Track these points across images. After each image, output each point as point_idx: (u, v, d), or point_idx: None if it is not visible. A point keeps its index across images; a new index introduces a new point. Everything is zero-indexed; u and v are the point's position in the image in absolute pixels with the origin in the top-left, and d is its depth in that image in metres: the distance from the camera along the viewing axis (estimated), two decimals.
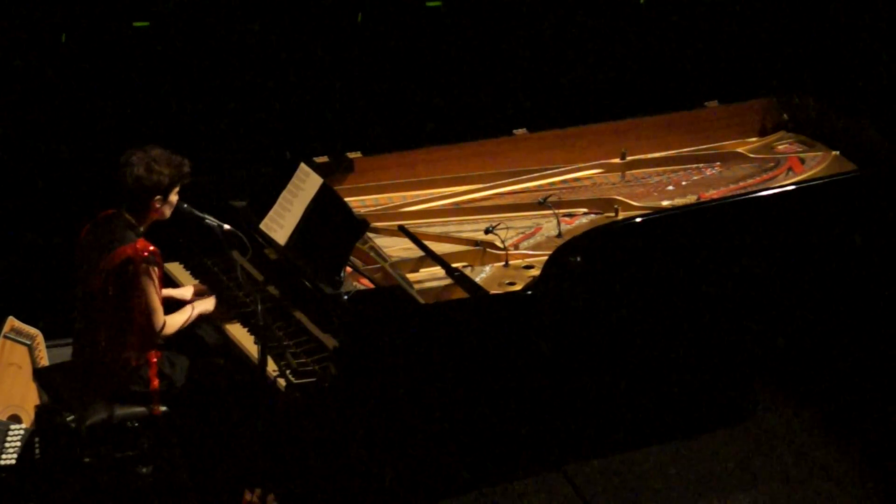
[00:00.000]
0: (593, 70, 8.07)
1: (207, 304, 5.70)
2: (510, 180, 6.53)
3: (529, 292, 5.52)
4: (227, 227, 5.61)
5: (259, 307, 5.26)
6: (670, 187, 6.44)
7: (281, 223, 5.67)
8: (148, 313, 5.43)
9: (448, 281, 5.61)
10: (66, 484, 5.55)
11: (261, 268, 5.75)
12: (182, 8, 7.31)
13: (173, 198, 5.50)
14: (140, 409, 5.47)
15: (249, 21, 7.45)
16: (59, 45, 7.14)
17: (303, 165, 5.73)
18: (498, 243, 5.91)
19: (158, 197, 5.45)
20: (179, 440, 5.54)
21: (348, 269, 5.56)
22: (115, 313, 5.43)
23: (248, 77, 7.50)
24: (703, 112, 6.93)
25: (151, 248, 5.40)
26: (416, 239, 5.81)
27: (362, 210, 6.22)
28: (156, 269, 5.42)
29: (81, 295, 5.52)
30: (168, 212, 5.52)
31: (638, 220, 5.78)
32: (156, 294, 5.43)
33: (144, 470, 5.49)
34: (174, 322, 5.54)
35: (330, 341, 5.33)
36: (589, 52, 8.06)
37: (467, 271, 5.73)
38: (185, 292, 5.86)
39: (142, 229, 5.47)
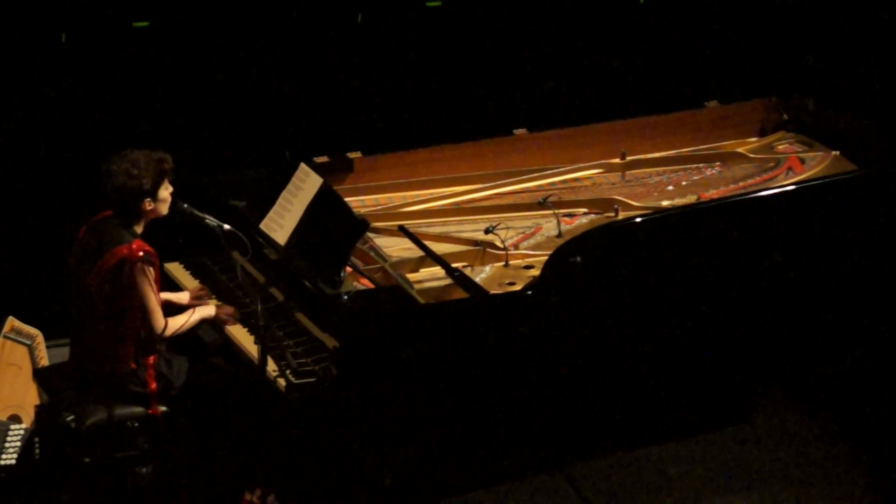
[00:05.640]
0: (593, 70, 8.07)
1: (208, 310, 5.69)
2: (510, 180, 6.53)
3: (529, 292, 5.52)
4: (227, 227, 5.61)
5: (259, 307, 5.26)
6: (670, 187, 6.44)
7: (281, 223, 5.67)
8: (144, 315, 5.42)
9: (448, 281, 5.62)
10: (66, 484, 5.55)
11: (261, 268, 5.75)
12: (182, 8, 7.31)
13: (164, 194, 5.47)
14: (139, 409, 5.47)
15: (249, 21, 7.45)
16: (59, 45, 7.14)
17: (303, 165, 5.73)
18: (498, 243, 5.91)
19: (147, 199, 5.43)
20: (179, 440, 5.54)
21: (348, 269, 5.56)
22: (110, 315, 5.41)
23: (249, 77, 7.50)
24: (703, 112, 6.93)
25: (147, 248, 5.39)
26: (416, 239, 5.81)
27: (362, 210, 6.22)
28: (151, 269, 5.40)
29: (77, 297, 5.51)
30: (163, 208, 5.50)
31: (638, 220, 5.78)
32: (153, 295, 5.42)
33: (144, 470, 5.49)
34: (173, 325, 5.52)
35: (330, 341, 5.33)
36: (589, 52, 8.06)
37: (467, 271, 5.74)
38: (182, 296, 5.85)
39: (139, 231, 5.46)
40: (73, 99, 7.20)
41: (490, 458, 5.63)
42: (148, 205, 5.44)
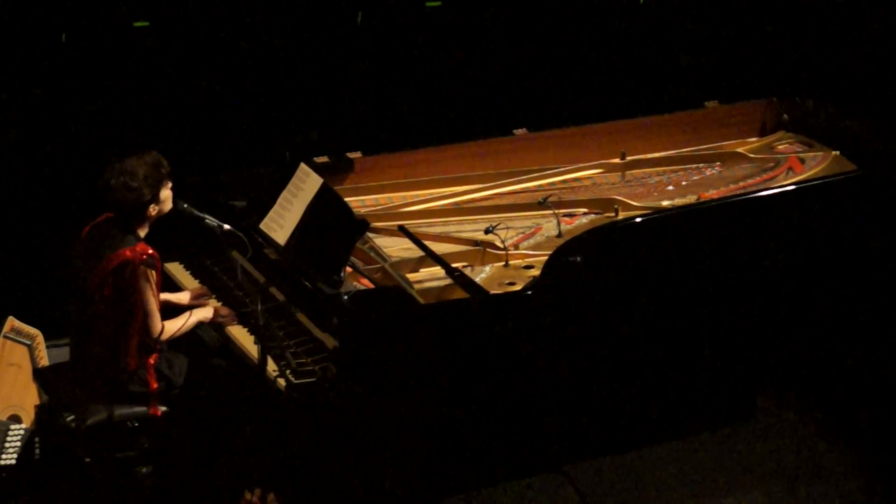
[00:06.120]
0: (593, 70, 8.06)
1: (206, 311, 5.69)
2: (510, 180, 6.53)
3: (529, 292, 5.52)
4: (227, 227, 5.61)
5: (259, 307, 5.26)
6: (670, 187, 6.44)
7: (281, 223, 5.67)
8: (144, 317, 5.42)
9: (448, 281, 5.62)
10: (66, 484, 5.55)
11: (261, 268, 5.75)
12: (182, 8, 7.31)
13: (166, 193, 5.49)
14: (140, 409, 5.47)
15: (249, 21, 7.45)
16: (59, 45, 7.14)
17: (303, 165, 5.73)
18: (498, 243, 5.91)
19: (151, 205, 5.44)
20: (179, 440, 5.54)
21: (348, 269, 5.56)
22: (110, 316, 5.41)
23: (248, 77, 7.50)
24: (703, 112, 6.93)
25: (150, 251, 5.40)
26: (416, 239, 5.81)
27: (362, 210, 6.22)
28: (153, 273, 5.41)
29: (78, 297, 5.51)
30: (167, 206, 5.52)
31: (638, 220, 5.78)
32: (153, 298, 5.43)
33: (144, 470, 5.49)
34: (171, 328, 5.53)
35: (330, 341, 5.33)
36: (589, 52, 8.05)
37: (467, 271, 5.73)
38: (183, 297, 5.85)
39: (142, 234, 5.47)
40: (73, 99, 7.20)
41: (490, 458, 5.62)
42: (153, 210, 5.46)
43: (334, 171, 6.27)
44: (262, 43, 7.50)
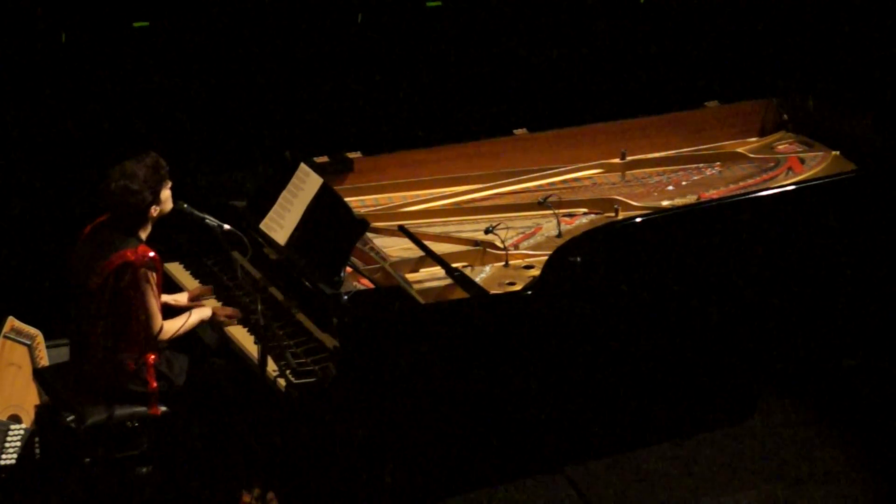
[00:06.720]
0: (593, 70, 8.07)
1: (205, 311, 5.69)
2: (510, 180, 6.53)
3: (529, 292, 5.52)
4: (227, 227, 5.61)
5: (259, 307, 5.26)
6: (670, 187, 6.44)
7: (281, 223, 5.67)
8: (145, 318, 5.42)
9: (448, 281, 5.62)
10: (66, 484, 5.55)
11: (261, 268, 5.75)
12: (182, 8, 7.31)
13: (166, 193, 5.49)
14: (140, 409, 5.47)
15: (249, 21, 7.45)
16: (59, 45, 7.14)
17: (303, 165, 5.73)
18: (498, 243, 5.91)
19: (152, 207, 5.45)
20: (179, 440, 5.54)
21: (348, 269, 5.56)
22: (110, 316, 5.41)
23: (248, 77, 7.50)
24: (703, 112, 6.93)
25: (152, 253, 5.40)
26: (416, 239, 5.81)
27: (362, 210, 6.22)
28: (154, 275, 5.42)
29: (78, 296, 5.51)
30: (167, 206, 5.52)
31: (638, 220, 5.78)
32: (154, 299, 5.43)
33: (144, 470, 5.49)
34: (170, 328, 5.53)
35: (330, 341, 5.33)
36: (589, 52, 8.06)
37: (467, 271, 5.74)
38: (181, 298, 5.85)
39: (144, 236, 5.47)
40: (73, 99, 7.20)
41: (490, 458, 5.62)
42: (154, 211, 5.46)
43: (334, 171, 6.28)
44: (262, 43, 7.50)
